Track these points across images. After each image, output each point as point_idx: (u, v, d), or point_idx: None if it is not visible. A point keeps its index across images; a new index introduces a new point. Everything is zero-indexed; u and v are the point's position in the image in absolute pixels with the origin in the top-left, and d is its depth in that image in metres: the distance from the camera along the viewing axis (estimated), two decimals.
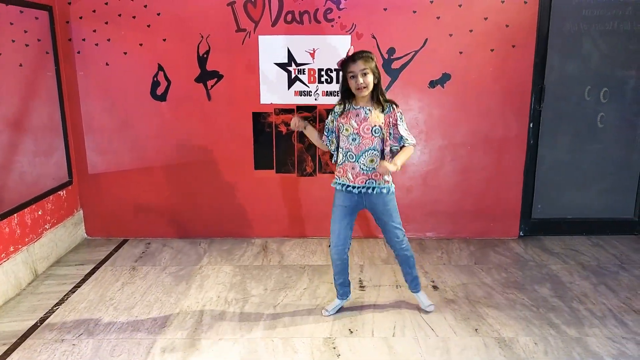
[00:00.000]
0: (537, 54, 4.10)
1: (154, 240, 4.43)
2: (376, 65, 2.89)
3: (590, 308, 3.28)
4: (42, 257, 3.82)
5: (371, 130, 2.89)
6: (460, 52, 4.08)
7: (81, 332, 3.03)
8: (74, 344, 2.90)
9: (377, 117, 2.90)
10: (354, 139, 2.91)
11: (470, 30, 4.04)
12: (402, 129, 2.93)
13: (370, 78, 2.84)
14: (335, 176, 3.06)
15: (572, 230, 4.49)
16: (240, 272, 3.81)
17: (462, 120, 4.21)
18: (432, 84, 4.14)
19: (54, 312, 3.25)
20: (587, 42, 4.18)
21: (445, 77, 4.12)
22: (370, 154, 2.92)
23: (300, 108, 4.18)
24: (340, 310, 3.25)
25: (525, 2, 3.99)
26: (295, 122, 3.05)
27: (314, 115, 4.19)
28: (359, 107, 2.92)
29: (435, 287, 3.56)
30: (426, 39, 4.06)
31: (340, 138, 2.99)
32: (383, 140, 2.94)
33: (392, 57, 4.08)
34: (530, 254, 4.13)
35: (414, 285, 3.25)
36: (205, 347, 2.88)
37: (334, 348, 2.86)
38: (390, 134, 2.92)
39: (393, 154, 2.96)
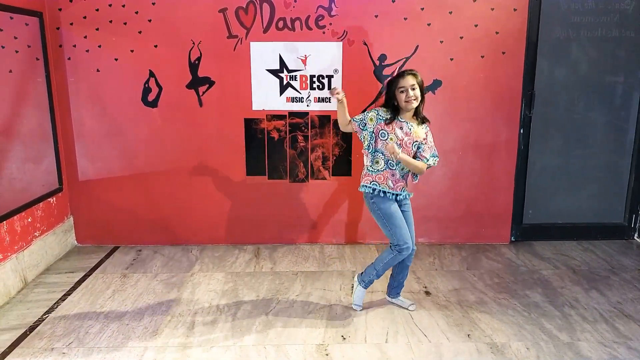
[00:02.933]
0: (527, 61, 4.14)
1: (145, 247, 4.40)
2: (422, 83, 3.05)
3: (581, 313, 3.30)
4: (32, 264, 3.78)
5: (412, 144, 3.06)
6: (451, 59, 4.10)
7: (71, 340, 3.00)
8: (64, 353, 2.87)
9: (418, 133, 3.07)
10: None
11: (461, 37, 4.07)
12: (428, 149, 3.10)
13: (418, 92, 3.01)
14: (370, 182, 3.11)
15: (562, 235, 4.52)
16: (232, 279, 3.79)
17: (453, 126, 4.23)
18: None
19: (43, 320, 3.22)
20: (576, 48, 4.22)
21: (436, 84, 4.15)
22: None
23: (292, 114, 4.18)
24: (333, 317, 3.25)
25: (515, 10, 4.03)
26: (337, 91, 3.12)
27: (305, 121, 4.19)
28: (403, 120, 3.06)
29: (427, 293, 3.56)
30: (417, 46, 4.08)
31: (381, 144, 3.07)
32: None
33: (383, 64, 4.09)
34: (522, 259, 4.15)
35: (397, 291, 3.40)
36: (197, 354, 2.86)
37: (327, 355, 2.85)
38: (419, 148, 3.09)
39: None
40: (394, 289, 3.38)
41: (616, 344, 2.95)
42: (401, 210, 3.15)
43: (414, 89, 3.00)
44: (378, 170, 3.09)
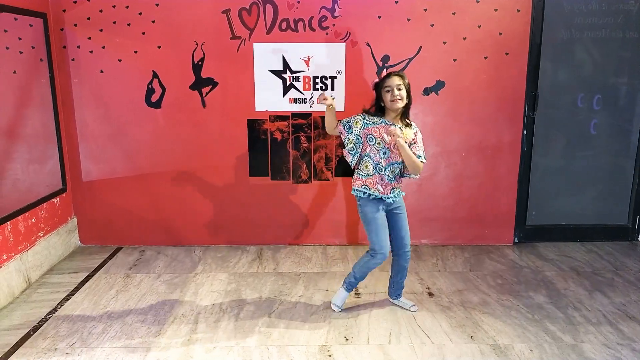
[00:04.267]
0: (530, 62, 4.13)
1: (148, 247, 4.41)
2: (409, 86, 3.04)
3: (585, 314, 3.29)
4: (36, 265, 3.79)
5: None
6: (454, 60, 4.10)
7: (74, 340, 3.00)
8: (67, 353, 2.88)
9: (407, 134, 3.04)
10: (384, 153, 3.05)
11: (464, 38, 4.07)
12: (420, 148, 3.10)
13: (404, 93, 3.01)
14: (361, 185, 3.10)
15: (566, 237, 4.51)
16: (235, 280, 3.79)
17: (456, 127, 4.23)
18: (426, 92, 4.16)
19: (47, 320, 3.23)
20: (579, 49, 4.21)
21: (439, 85, 4.14)
22: (395, 167, 3.08)
23: (296, 115, 4.19)
24: (336, 318, 3.25)
25: (518, 10, 4.02)
26: (324, 96, 3.10)
27: (308, 122, 4.19)
28: (390, 123, 3.05)
29: (430, 294, 3.56)
30: (420, 47, 4.08)
31: (369, 148, 3.07)
32: None
33: (386, 65, 4.10)
34: (525, 260, 4.14)
35: (398, 293, 3.39)
36: (199, 355, 2.86)
37: (330, 356, 2.85)
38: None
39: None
40: (394, 290, 3.38)
41: (620, 345, 2.94)
42: (393, 214, 3.14)
43: (399, 89, 2.99)
44: (367, 174, 3.09)
